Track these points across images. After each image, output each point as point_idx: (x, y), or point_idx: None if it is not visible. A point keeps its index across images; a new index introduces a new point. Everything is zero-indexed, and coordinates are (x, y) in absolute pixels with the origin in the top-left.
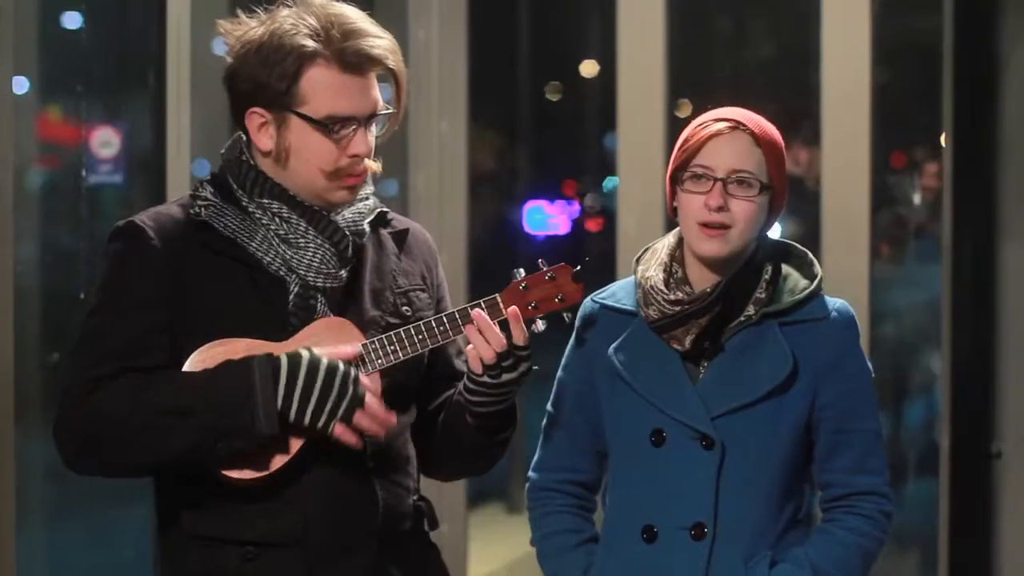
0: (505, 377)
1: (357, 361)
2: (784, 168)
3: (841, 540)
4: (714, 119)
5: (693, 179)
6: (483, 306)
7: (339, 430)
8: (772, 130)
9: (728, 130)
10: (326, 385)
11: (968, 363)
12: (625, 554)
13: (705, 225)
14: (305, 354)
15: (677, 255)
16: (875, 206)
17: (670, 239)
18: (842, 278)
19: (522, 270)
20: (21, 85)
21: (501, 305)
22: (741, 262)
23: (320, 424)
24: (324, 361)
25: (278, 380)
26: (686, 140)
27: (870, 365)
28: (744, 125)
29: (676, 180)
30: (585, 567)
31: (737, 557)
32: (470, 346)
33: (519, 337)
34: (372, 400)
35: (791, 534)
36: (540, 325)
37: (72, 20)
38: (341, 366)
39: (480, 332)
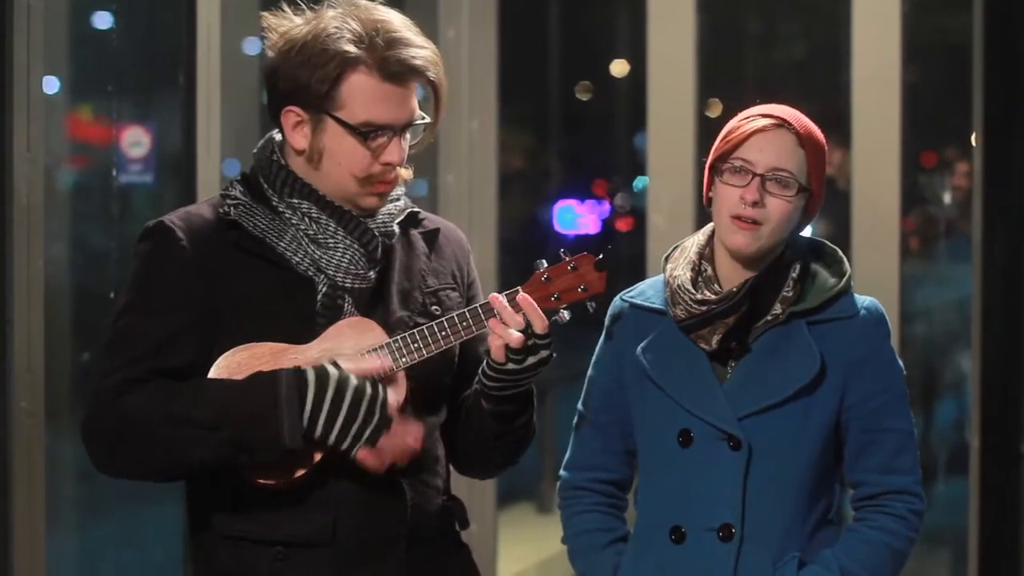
0: (529, 360)
1: (382, 376)
2: (824, 172)
3: (870, 539)
4: (760, 114)
5: (732, 171)
6: (505, 299)
7: (363, 454)
8: (817, 132)
9: (773, 127)
10: (353, 407)
11: (999, 363)
12: (654, 554)
13: (737, 218)
14: (334, 372)
15: (706, 253)
16: (905, 206)
17: (699, 237)
18: (872, 277)
19: (544, 261)
20: (52, 85)
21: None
22: (770, 260)
23: (345, 446)
24: (352, 381)
25: (305, 397)
26: (730, 132)
27: (901, 363)
28: (790, 124)
29: (715, 171)
30: (614, 566)
31: (766, 558)
32: (492, 335)
33: (539, 326)
34: (398, 424)
35: (821, 534)
36: (565, 315)
37: (103, 20)
38: (368, 388)
39: (499, 315)
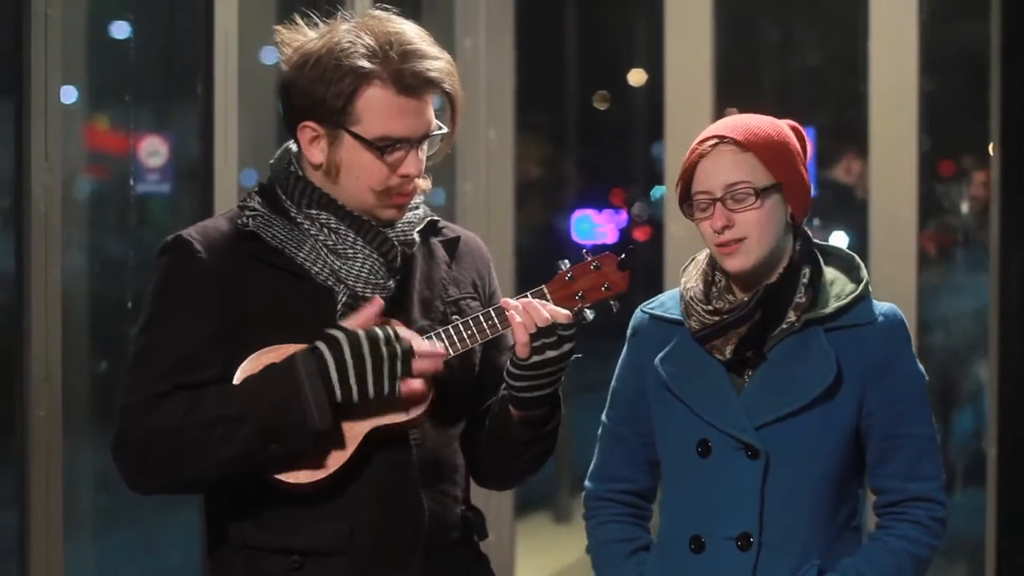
0: (549, 353)
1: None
2: (790, 159)
3: (891, 548)
4: (699, 140)
5: (697, 208)
6: (530, 296)
7: (406, 387)
8: (763, 128)
9: (710, 148)
10: (375, 353)
11: (1016, 371)
12: (675, 564)
13: (720, 245)
14: (340, 334)
15: (719, 265)
16: (923, 215)
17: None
18: (890, 286)
19: (567, 261)
20: (70, 95)
21: (548, 295)
22: (779, 268)
23: (387, 390)
24: (361, 332)
25: (327, 372)
26: (682, 169)
27: (922, 369)
28: (726, 136)
29: (685, 213)
30: None
31: (784, 567)
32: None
33: (561, 316)
34: (419, 344)
35: (843, 542)
36: (588, 314)
37: (120, 30)
38: (378, 331)
39: (525, 310)
